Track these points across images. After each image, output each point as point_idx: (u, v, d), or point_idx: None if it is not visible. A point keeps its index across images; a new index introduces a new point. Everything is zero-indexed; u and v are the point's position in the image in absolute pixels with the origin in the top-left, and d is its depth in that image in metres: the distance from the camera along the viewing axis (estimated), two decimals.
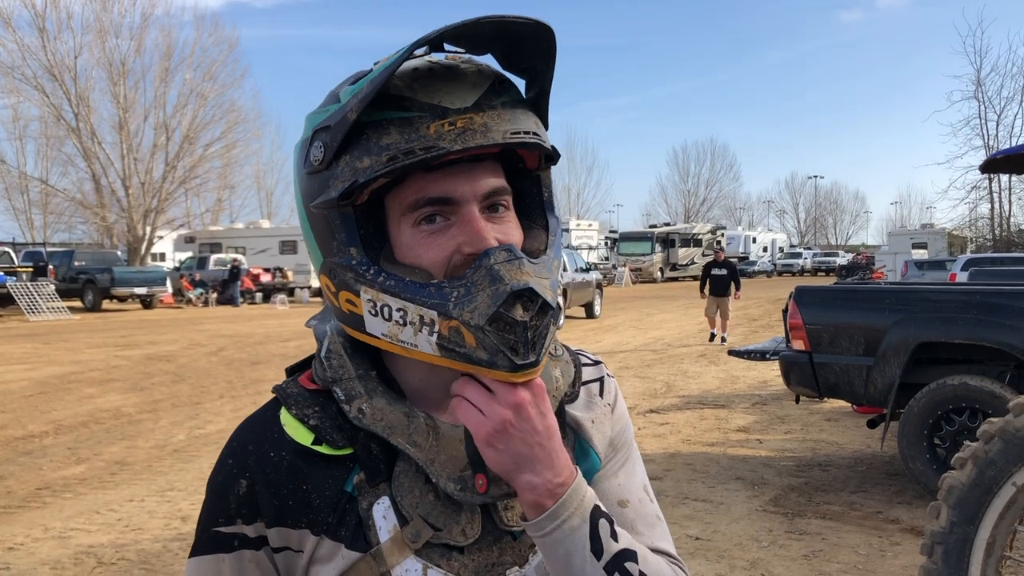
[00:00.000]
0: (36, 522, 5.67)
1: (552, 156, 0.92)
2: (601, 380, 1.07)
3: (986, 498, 2.78)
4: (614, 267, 45.28)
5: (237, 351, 15.44)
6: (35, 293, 24.75)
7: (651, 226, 57.73)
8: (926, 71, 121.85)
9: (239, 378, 12.09)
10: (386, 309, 0.84)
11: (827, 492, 6.08)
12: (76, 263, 28.79)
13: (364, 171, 0.81)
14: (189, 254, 38.08)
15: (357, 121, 0.81)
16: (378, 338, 0.86)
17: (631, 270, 44.28)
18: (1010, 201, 34.11)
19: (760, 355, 8.08)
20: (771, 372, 11.10)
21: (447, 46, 0.86)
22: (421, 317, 0.82)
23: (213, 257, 33.80)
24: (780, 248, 67.98)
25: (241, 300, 30.71)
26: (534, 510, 0.85)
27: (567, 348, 1.07)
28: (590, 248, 47.87)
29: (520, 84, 0.91)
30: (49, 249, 33.34)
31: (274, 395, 0.95)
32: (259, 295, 32.05)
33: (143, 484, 6.56)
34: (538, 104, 0.90)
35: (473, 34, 0.84)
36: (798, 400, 7.44)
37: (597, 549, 0.87)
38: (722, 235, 55.97)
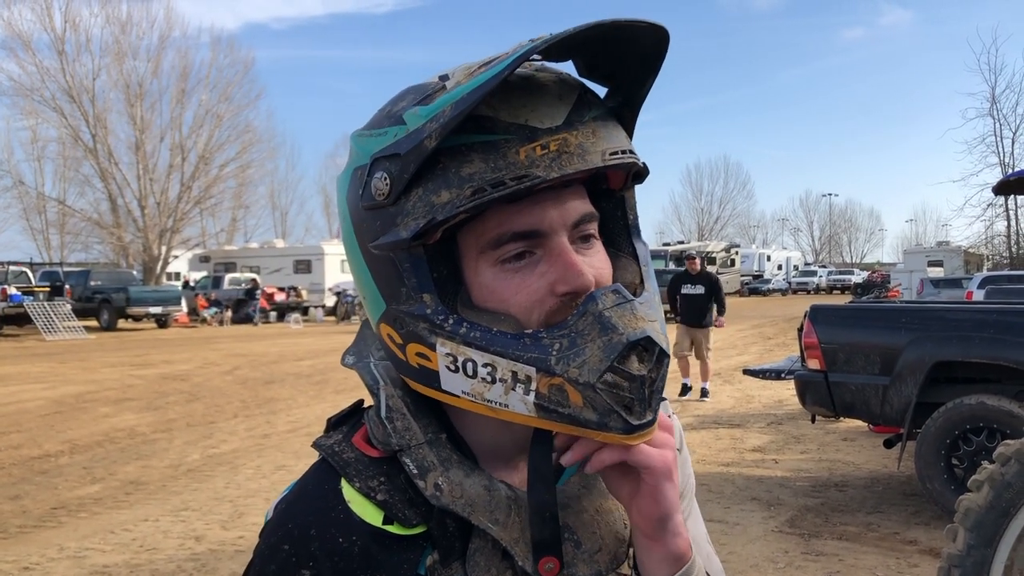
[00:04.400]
0: (51, 542, 5.69)
1: (641, 174, 0.81)
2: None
3: (1003, 521, 2.75)
4: None
5: (251, 370, 15.48)
6: (52, 313, 24.96)
7: (664, 244, 57.62)
8: (938, 88, 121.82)
9: (253, 397, 12.12)
10: (470, 364, 0.71)
11: (844, 513, 6.03)
12: (92, 283, 29.03)
13: (443, 207, 0.69)
14: (204, 273, 38.32)
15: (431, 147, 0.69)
16: (458, 396, 0.74)
17: None
18: None
19: (775, 374, 8.05)
20: (787, 391, 11.03)
21: None
22: (515, 374, 0.70)
23: (228, 276, 34.00)
24: (795, 266, 67.70)
25: (259, 318, 30.88)
26: (677, 563, 0.77)
27: None
28: None
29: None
30: (66, 269, 33.70)
31: (321, 458, 0.82)
32: (273, 314, 32.19)
33: (157, 504, 6.57)
34: (623, 115, 0.79)
35: (568, 42, 0.71)
36: (814, 420, 7.39)
37: None
38: (736, 253, 55.75)
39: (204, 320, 30.67)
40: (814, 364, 6.26)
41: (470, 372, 0.72)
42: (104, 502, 6.68)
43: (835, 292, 56.84)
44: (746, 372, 8.68)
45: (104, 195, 40.53)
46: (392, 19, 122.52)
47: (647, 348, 0.70)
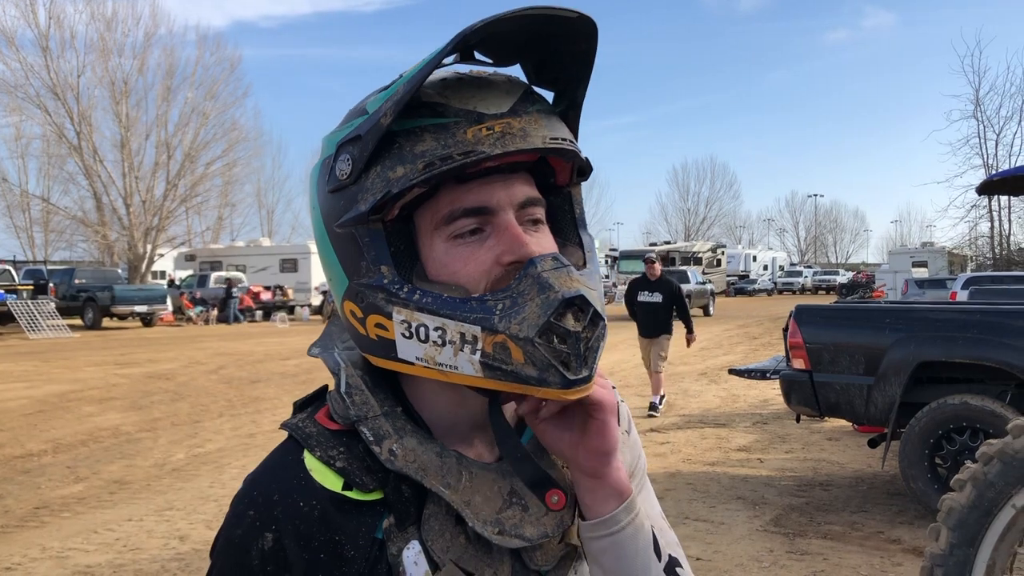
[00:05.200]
0: (34, 542, 5.65)
1: (584, 170, 0.89)
2: (616, 407, 0.99)
3: (986, 520, 2.77)
4: (614, 285, 45.24)
5: (237, 369, 15.41)
6: (35, 311, 24.78)
7: (651, 244, 57.78)
8: (923, 90, 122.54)
9: (239, 396, 12.07)
10: (422, 329, 0.78)
11: (828, 512, 6.06)
12: (77, 281, 28.82)
13: (398, 180, 0.76)
14: (189, 272, 38.11)
15: (389, 129, 0.77)
16: (412, 363, 0.80)
17: None
18: (1010, 220, 34.07)
19: (760, 374, 8.09)
20: (772, 391, 11.07)
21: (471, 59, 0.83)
22: (462, 335, 0.76)
23: (213, 275, 33.84)
24: (780, 266, 67.96)
25: (243, 318, 30.75)
26: (615, 500, 0.84)
27: None
28: None
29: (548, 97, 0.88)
30: (50, 267, 33.47)
31: (288, 435, 0.88)
32: (259, 313, 32.07)
33: (142, 503, 6.53)
34: (567, 116, 0.87)
35: (504, 41, 0.81)
36: (799, 419, 7.43)
37: (657, 551, 0.88)
38: (722, 253, 55.93)
39: (189, 319, 30.51)
40: (799, 364, 6.29)
41: (423, 337, 0.78)
42: (87, 502, 6.63)
43: (820, 292, 57.17)
44: (731, 372, 8.71)
45: (89, 193, 40.25)
46: (380, 18, 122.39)
47: (582, 308, 0.77)
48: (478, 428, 0.87)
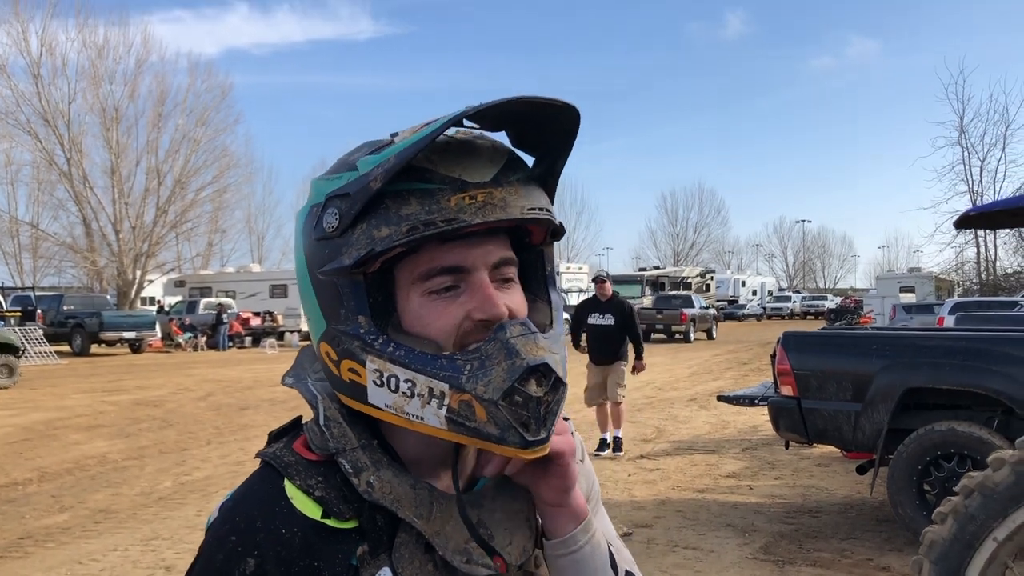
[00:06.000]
0: (17, 573, 5.58)
1: (558, 232, 0.94)
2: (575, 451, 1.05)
3: (967, 553, 2.77)
4: None
5: (226, 396, 15.33)
6: (23, 338, 24.57)
7: (640, 269, 57.89)
8: (908, 117, 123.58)
9: (227, 424, 11.99)
10: (393, 380, 0.82)
11: (817, 539, 6.05)
12: (65, 307, 28.70)
13: (382, 240, 0.80)
14: (179, 298, 37.95)
15: (377, 191, 0.81)
16: (381, 409, 0.84)
17: None
18: (995, 246, 34.38)
19: (749, 400, 8.08)
20: (761, 417, 11.06)
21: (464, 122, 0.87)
22: (431, 389, 0.81)
23: (203, 301, 33.70)
24: (769, 291, 68.15)
25: (230, 344, 30.60)
26: (573, 523, 0.92)
27: None
28: (580, 291, 47.91)
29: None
30: (38, 293, 33.25)
31: (264, 463, 0.91)
32: (249, 339, 31.92)
33: (127, 533, 6.47)
34: (546, 181, 0.91)
35: (497, 113, 0.84)
36: (787, 446, 7.43)
37: (614, 567, 0.96)
38: (711, 278, 56.11)
39: (178, 345, 30.36)
40: (787, 390, 6.30)
41: (393, 387, 0.83)
42: (72, 531, 6.57)
43: (809, 317, 57.30)
44: (720, 399, 8.70)
45: (78, 219, 40.15)
46: (372, 46, 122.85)
47: (545, 374, 0.81)
48: (446, 463, 0.90)
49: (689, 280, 52.23)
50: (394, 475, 0.87)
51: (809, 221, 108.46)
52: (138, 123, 40.98)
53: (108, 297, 35.23)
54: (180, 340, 30.45)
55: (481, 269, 0.85)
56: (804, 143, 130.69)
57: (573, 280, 49.18)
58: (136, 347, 28.52)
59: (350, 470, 0.86)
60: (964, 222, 5.13)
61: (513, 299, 0.87)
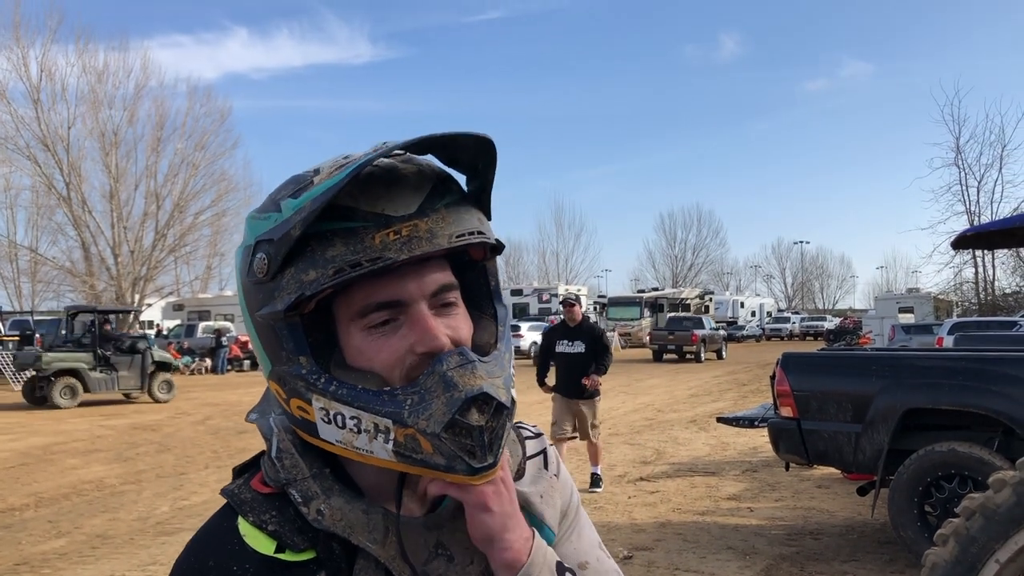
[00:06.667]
0: None
1: (497, 248, 0.93)
2: (544, 452, 1.06)
3: (970, 575, 2.75)
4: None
5: (223, 420, 15.28)
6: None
7: (639, 291, 57.89)
8: (904, 137, 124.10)
9: (225, 448, 11.95)
10: (339, 417, 0.83)
11: (819, 561, 6.01)
12: (63, 332, 28.56)
13: (311, 284, 0.80)
14: (177, 322, 37.91)
15: (302, 232, 0.81)
16: (332, 444, 0.85)
17: (620, 335, 44.28)
18: (993, 266, 34.47)
19: (749, 422, 8.06)
20: (761, 438, 11.04)
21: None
22: (376, 425, 0.81)
23: (201, 325, 33.66)
24: (768, 312, 68.14)
25: (229, 368, 30.54)
26: (509, 570, 0.87)
27: None
28: None
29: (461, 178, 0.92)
30: (37, 317, 33.18)
31: (225, 501, 0.93)
32: (247, 363, 31.87)
33: (124, 558, 6.43)
34: (480, 198, 0.91)
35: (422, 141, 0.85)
36: (788, 467, 7.40)
37: None
38: (710, 299, 56.11)
39: (177, 369, 30.27)
40: (787, 412, 6.29)
41: (340, 424, 0.83)
42: (69, 557, 6.52)
43: (808, 338, 57.28)
44: (720, 420, 8.68)
45: (77, 243, 40.12)
46: (370, 70, 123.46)
47: (486, 402, 0.82)
48: (405, 487, 0.90)
49: (688, 302, 52.25)
50: (345, 502, 0.87)
51: (807, 242, 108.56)
52: (137, 147, 41.10)
53: None
54: (179, 364, 30.37)
55: (419, 300, 0.85)
56: (801, 164, 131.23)
57: None
58: None
59: (299, 500, 0.87)
60: (962, 242, 5.15)
61: (456, 324, 0.88)
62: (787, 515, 7.44)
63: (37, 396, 18.32)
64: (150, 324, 42.50)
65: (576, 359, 8.22)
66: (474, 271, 0.95)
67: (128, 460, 11.00)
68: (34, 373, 18.50)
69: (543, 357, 8.68)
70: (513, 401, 0.86)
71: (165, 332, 35.94)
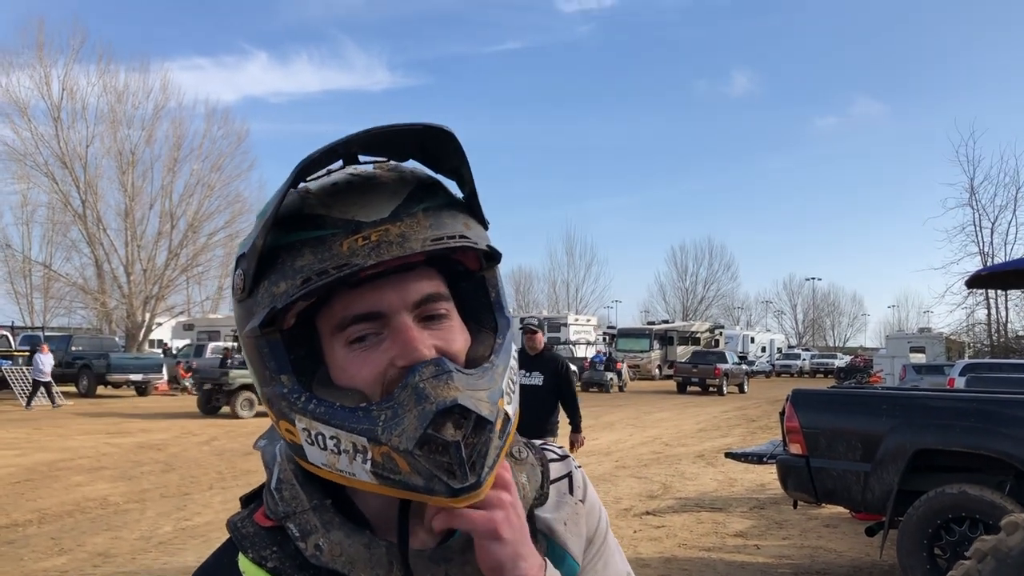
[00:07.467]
0: None
1: (491, 255, 0.89)
2: (569, 475, 1.00)
3: None
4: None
5: (229, 441, 15.26)
6: (31, 378, 24.60)
7: (649, 323, 57.78)
8: (918, 177, 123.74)
9: (230, 469, 11.92)
10: (320, 438, 0.78)
11: None
12: (73, 348, 28.71)
13: (281, 296, 0.77)
14: (187, 341, 37.99)
15: (273, 245, 0.78)
16: (320, 467, 0.81)
17: (629, 366, 44.14)
18: (1007, 308, 34.25)
19: (757, 458, 7.99)
20: (769, 475, 10.95)
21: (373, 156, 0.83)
22: (354, 444, 0.77)
23: (211, 345, 33.72)
24: (778, 348, 67.86)
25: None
26: None
27: (530, 446, 0.99)
28: (588, 343, 47.79)
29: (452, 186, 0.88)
30: (47, 333, 33.33)
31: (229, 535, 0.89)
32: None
33: None
34: (472, 203, 0.87)
35: (385, 144, 0.81)
36: (796, 505, 7.33)
37: None
38: (720, 334, 55.88)
39: (184, 388, 30.29)
40: (796, 449, 6.24)
41: (322, 445, 0.79)
42: (70, 574, 6.49)
43: (818, 375, 56.95)
44: (728, 456, 8.61)
45: (90, 260, 40.43)
46: (387, 96, 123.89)
47: (464, 415, 0.76)
48: (414, 516, 0.85)
49: (698, 335, 52.07)
50: (346, 535, 0.82)
51: (819, 279, 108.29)
52: (153, 167, 41.54)
53: (116, 339, 35.28)
54: (187, 383, 30.39)
55: (400, 312, 0.81)
56: (814, 201, 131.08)
57: (581, 333, 49.14)
58: (142, 389, 28.48)
59: (297, 534, 0.82)
60: (975, 282, 5.14)
61: (447, 337, 0.83)
62: (794, 554, 7.35)
63: (210, 406, 20.79)
64: (159, 343, 42.63)
65: (532, 392, 6.81)
66: (471, 282, 0.90)
67: (133, 479, 10.98)
68: (209, 386, 20.85)
69: None
70: (507, 417, 0.81)
71: (173, 351, 35.98)
